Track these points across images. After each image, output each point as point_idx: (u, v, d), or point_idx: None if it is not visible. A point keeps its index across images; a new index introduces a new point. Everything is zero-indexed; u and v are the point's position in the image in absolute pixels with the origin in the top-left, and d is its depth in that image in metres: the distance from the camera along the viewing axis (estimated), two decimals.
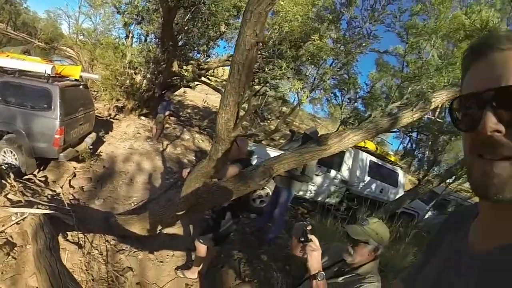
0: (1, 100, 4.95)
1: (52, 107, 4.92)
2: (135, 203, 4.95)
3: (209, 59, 10.82)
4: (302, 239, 1.50)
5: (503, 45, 0.55)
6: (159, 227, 3.68)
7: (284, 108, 11.28)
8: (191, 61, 9.88)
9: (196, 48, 10.32)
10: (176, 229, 4.26)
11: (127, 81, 9.54)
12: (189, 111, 13.19)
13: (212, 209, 3.31)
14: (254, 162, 5.00)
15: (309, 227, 1.54)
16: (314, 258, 1.47)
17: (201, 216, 4.43)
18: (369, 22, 10.03)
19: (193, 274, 3.38)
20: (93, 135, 6.50)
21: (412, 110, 3.48)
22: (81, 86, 6.02)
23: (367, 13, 9.87)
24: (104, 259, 3.10)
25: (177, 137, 9.27)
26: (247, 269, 3.87)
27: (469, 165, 0.59)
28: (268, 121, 15.07)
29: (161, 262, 3.58)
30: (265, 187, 5.66)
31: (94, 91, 10.50)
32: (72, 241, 3.00)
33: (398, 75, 14.84)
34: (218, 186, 3.02)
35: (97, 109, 9.40)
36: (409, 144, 22.11)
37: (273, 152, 5.78)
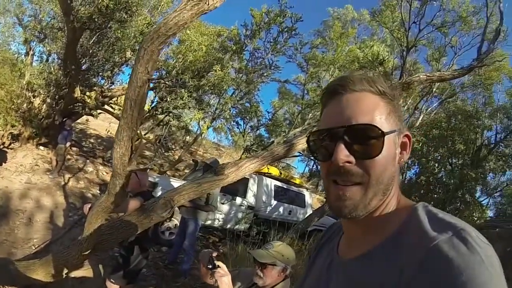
0: None
1: None
2: (36, 246, 4.63)
3: (113, 86, 10.54)
4: (210, 266, 1.59)
5: (356, 87, 0.65)
6: (65, 271, 3.59)
7: (188, 138, 11.43)
8: (95, 88, 9.55)
9: (100, 74, 10.00)
10: (85, 271, 4.13)
11: (24, 105, 8.72)
12: (92, 140, 12.46)
13: (120, 245, 3.31)
14: (158, 193, 5.15)
15: (215, 254, 1.65)
16: (224, 283, 1.55)
17: (111, 253, 4.40)
18: (271, 53, 10.87)
19: None
20: None
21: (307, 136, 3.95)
22: None
23: (269, 45, 10.69)
24: None
25: (80, 169, 8.76)
26: None
27: (326, 189, 0.67)
28: (173, 151, 15.00)
29: None
30: (173, 219, 5.83)
31: None
32: None
33: (299, 102, 16.13)
34: (121, 221, 3.04)
35: None
36: (314, 166, 24.17)
37: (177, 183, 5.91)
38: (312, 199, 10.55)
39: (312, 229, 8.08)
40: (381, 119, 0.63)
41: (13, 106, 8.34)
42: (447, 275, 0.49)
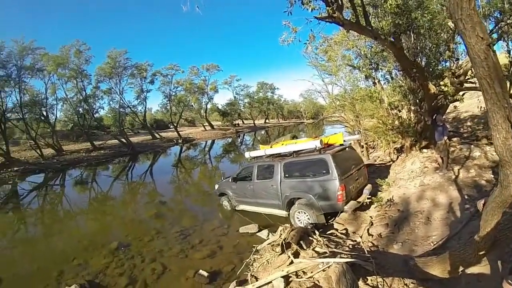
0: (289, 176, 6.82)
1: (330, 171, 6.16)
2: (434, 243, 4.77)
3: (460, 62, 9.32)
4: None
5: None
6: (461, 268, 3.45)
7: None
8: (444, 74, 8.92)
9: (441, 58, 9.28)
10: (482, 267, 3.63)
11: (396, 122, 9.79)
12: (469, 124, 11.21)
13: None
14: None
15: None
16: None
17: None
18: None
19: None
20: (369, 186, 7.26)
21: None
22: (347, 149, 7.07)
23: None
24: None
25: (467, 157, 8.11)
26: None
27: None
28: None
29: None
30: None
31: (371, 141, 11.31)
32: (371, 285, 3.34)
33: None
34: None
35: (378, 157, 10.12)
36: None
37: None
38: None
39: None
40: None
41: (387, 127, 9.62)
42: None
